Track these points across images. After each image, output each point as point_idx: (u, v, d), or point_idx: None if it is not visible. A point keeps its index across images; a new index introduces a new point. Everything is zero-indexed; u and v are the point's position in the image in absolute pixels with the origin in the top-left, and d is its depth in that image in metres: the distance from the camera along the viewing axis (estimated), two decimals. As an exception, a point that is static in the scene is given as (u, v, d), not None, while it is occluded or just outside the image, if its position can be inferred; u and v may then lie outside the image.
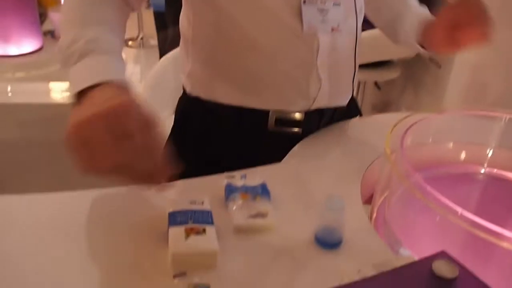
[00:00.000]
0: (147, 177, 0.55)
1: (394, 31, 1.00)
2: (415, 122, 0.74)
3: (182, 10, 0.90)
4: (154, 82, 1.38)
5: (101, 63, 0.62)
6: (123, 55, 0.69)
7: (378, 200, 0.71)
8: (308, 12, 0.81)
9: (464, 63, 1.87)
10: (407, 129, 0.70)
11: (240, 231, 0.63)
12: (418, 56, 2.14)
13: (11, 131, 1.56)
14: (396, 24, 0.99)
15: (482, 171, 0.83)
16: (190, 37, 0.88)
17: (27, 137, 1.58)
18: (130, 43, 3.15)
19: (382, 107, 2.70)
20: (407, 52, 2.02)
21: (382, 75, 2.07)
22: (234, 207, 0.65)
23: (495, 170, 0.83)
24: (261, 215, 0.64)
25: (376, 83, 2.39)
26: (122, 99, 0.53)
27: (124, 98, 0.54)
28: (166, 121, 1.04)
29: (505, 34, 1.50)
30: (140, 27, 3.20)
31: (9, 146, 1.56)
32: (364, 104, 2.27)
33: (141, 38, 3.17)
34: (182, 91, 0.96)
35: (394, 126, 0.70)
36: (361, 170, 0.76)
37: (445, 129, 0.86)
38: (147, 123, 0.54)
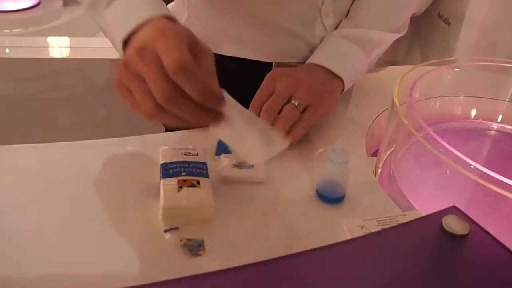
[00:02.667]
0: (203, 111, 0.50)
1: None
2: (424, 73, 0.70)
3: None
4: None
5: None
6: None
7: (384, 154, 0.68)
8: None
9: (474, 21, 1.80)
10: (416, 81, 0.66)
11: (226, 181, 0.60)
12: (426, 12, 2.07)
13: (8, 86, 1.54)
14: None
15: (494, 126, 0.79)
16: None
17: (24, 92, 1.56)
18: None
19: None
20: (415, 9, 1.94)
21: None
22: (222, 159, 0.63)
23: (508, 126, 0.79)
24: (248, 165, 0.60)
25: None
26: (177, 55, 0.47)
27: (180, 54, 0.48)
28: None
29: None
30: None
31: (6, 102, 1.54)
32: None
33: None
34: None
35: (403, 76, 0.65)
36: (367, 123, 0.72)
37: (456, 82, 0.82)
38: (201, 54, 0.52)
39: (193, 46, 0.51)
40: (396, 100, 0.60)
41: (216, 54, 0.82)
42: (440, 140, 0.54)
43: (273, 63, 0.82)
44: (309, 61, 0.76)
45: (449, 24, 2.04)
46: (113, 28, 0.59)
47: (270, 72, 0.70)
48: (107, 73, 1.52)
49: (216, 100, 0.50)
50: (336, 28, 0.82)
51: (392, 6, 0.81)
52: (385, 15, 0.80)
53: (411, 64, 2.60)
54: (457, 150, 0.77)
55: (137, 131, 0.70)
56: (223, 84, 0.86)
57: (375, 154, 0.72)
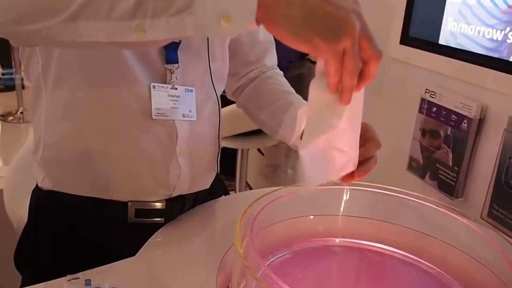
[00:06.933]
0: None
1: (274, 125, 0.98)
2: (267, 204, 0.75)
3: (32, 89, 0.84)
4: (23, 163, 1.31)
5: None
6: None
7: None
8: (158, 97, 0.81)
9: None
10: (257, 214, 0.72)
11: None
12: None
13: None
14: (277, 118, 0.97)
15: (337, 241, 0.87)
16: (43, 120, 0.83)
17: None
18: (9, 118, 3.04)
19: (269, 171, 2.77)
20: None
21: (263, 142, 2.14)
22: None
23: (348, 240, 0.87)
24: None
25: (259, 150, 2.46)
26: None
27: None
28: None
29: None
30: (20, 102, 3.10)
31: None
32: (249, 170, 2.32)
33: (21, 113, 3.06)
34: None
35: (243, 214, 0.70)
36: (218, 259, 0.76)
37: (307, 202, 0.89)
38: None
39: None
40: (238, 245, 0.64)
41: (70, 195, 0.83)
42: (276, 279, 0.58)
43: (129, 203, 0.84)
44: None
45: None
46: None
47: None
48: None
49: None
50: (190, 165, 0.87)
51: None
52: None
53: (290, 166, 2.73)
54: (309, 270, 0.82)
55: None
56: (79, 228, 0.86)
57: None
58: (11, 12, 0.54)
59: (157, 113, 0.81)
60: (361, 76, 0.56)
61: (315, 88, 0.58)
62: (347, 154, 0.66)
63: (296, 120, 0.83)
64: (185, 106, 0.84)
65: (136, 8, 0.51)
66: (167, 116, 0.82)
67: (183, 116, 0.83)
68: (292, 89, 1.02)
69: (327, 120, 0.59)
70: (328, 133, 0.60)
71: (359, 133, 0.67)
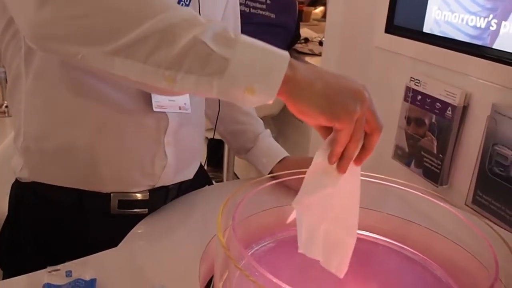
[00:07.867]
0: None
1: (239, 146, 1.06)
2: (250, 193, 0.75)
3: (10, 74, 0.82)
4: (5, 157, 1.29)
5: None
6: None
7: (219, 283, 0.70)
8: None
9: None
10: (239, 203, 0.71)
11: None
12: (286, 113, 2.26)
13: None
14: (243, 142, 1.05)
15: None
16: (23, 108, 0.81)
17: None
18: (-6, 112, 3.01)
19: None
20: (272, 110, 2.12)
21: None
22: None
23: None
24: None
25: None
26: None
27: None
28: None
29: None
30: (4, 95, 3.06)
31: None
32: (237, 160, 2.32)
33: (6, 107, 3.02)
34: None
35: (225, 203, 0.70)
36: (201, 249, 0.75)
37: (285, 191, 0.88)
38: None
39: None
40: (220, 236, 0.63)
41: (51, 186, 0.82)
42: (260, 269, 0.58)
43: (111, 195, 0.83)
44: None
45: (302, 121, 2.25)
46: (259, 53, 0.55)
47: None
48: None
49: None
50: (176, 155, 0.86)
51: None
52: None
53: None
54: (292, 259, 0.82)
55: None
56: (61, 221, 0.85)
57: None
58: (61, 28, 0.55)
59: (157, 106, 0.80)
60: (364, 148, 0.61)
61: (317, 158, 0.62)
62: (344, 240, 0.68)
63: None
64: (180, 99, 0.85)
65: (175, 61, 0.54)
66: (166, 108, 0.82)
67: (180, 108, 0.84)
68: (253, 110, 1.08)
69: (321, 182, 0.63)
70: (320, 193, 0.63)
71: (356, 222, 0.68)
